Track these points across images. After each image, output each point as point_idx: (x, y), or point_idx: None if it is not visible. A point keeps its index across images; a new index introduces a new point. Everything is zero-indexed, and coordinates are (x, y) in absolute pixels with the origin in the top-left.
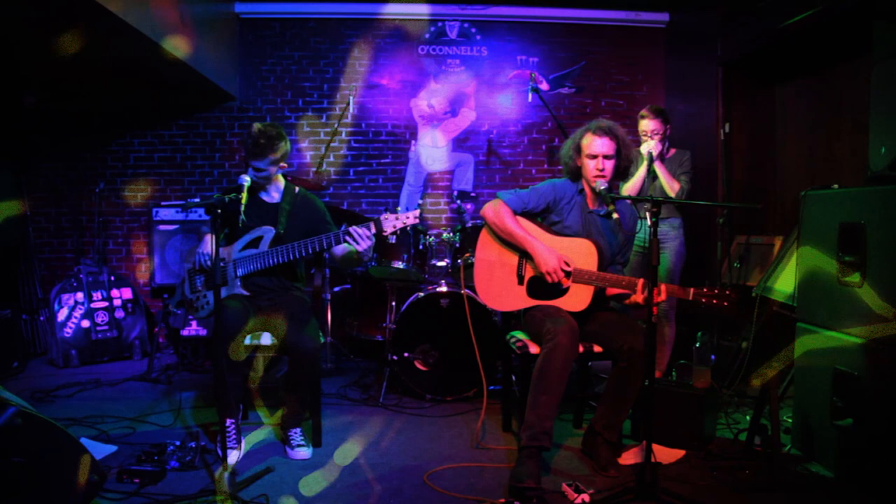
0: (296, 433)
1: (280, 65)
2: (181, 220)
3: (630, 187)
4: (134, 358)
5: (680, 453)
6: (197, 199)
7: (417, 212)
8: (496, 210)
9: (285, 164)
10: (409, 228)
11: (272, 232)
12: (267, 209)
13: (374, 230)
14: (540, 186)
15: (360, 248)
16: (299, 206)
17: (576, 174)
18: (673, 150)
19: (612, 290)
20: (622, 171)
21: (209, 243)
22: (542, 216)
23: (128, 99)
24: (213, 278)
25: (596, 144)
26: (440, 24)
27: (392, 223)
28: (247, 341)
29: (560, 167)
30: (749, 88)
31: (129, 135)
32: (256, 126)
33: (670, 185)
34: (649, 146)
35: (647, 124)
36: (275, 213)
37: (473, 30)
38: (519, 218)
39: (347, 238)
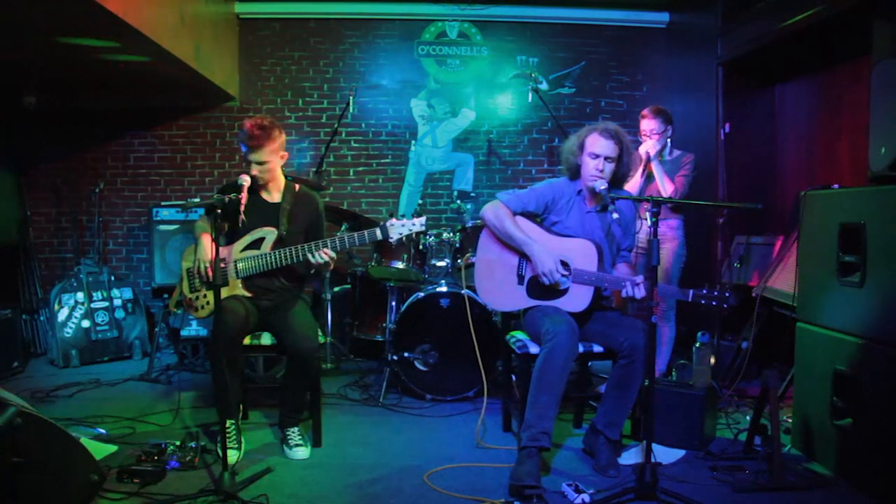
0: (293, 432)
1: (280, 65)
2: (181, 220)
3: (627, 187)
4: (134, 358)
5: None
6: (197, 199)
7: (424, 218)
8: (495, 211)
9: (286, 154)
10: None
11: (274, 234)
12: (268, 209)
13: (379, 236)
14: (538, 187)
15: (312, 261)
16: (300, 205)
17: (575, 172)
18: (677, 152)
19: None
20: (620, 178)
21: (207, 248)
22: (542, 216)
23: (128, 99)
24: (214, 278)
25: (599, 145)
26: (440, 24)
27: (399, 230)
28: (247, 341)
29: (560, 166)
30: (749, 88)
31: (129, 135)
32: (248, 121)
33: (665, 186)
34: (647, 146)
35: (647, 124)
36: (276, 214)
37: (473, 30)
38: (518, 218)
39: (308, 255)
